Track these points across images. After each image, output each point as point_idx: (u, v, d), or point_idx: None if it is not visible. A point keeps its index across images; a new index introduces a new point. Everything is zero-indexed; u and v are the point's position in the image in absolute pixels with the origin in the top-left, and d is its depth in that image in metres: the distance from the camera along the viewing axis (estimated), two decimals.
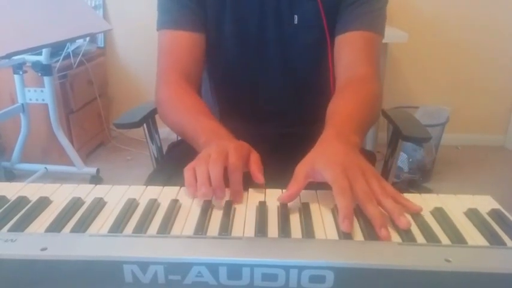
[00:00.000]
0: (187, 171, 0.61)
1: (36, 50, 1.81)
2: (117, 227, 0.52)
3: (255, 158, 0.65)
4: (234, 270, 0.43)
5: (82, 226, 0.52)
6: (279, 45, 0.90)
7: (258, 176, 0.62)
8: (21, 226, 0.53)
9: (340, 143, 0.64)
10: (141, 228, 0.52)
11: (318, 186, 0.62)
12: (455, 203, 0.59)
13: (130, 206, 0.57)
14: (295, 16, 0.87)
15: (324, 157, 0.60)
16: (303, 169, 0.60)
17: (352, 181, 0.55)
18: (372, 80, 0.84)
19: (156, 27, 0.90)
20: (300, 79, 0.94)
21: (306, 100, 0.97)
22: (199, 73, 0.91)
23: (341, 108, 0.76)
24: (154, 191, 0.61)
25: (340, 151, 0.61)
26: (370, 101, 0.80)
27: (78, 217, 0.54)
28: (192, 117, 0.78)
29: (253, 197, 0.60)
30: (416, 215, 0.55)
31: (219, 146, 0.63)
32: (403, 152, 2.18)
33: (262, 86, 0.95)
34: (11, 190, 0.62)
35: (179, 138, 1.08)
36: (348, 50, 0.86)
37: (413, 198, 0.59)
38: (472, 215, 0.56)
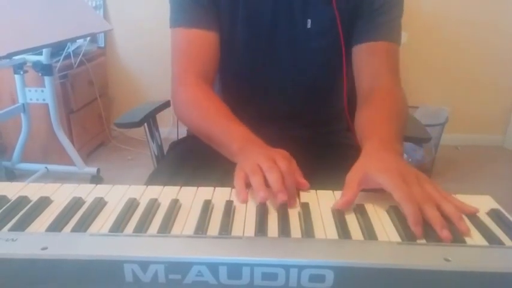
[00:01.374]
0: (237, 180, 0.61)
1: (36, 50, 1.81)
2: (118, 226, 0.52)
3: (295, 165, 0.65)
4: (234, 270, 0.43)
5: (83, 226, 0.52)
6: (291, 49, 0.90)
7: (303, 181, 0.62)
8: (22, 226, 0.53)
9: (386, 152, 0.65)
10: (142, 227, 0.52)
11: (317, 186, 0.63)
12: None
13: (131, 205, 0.57)
14: (309, 20, 0.87)
15: (376, 164, 0.61)
16: (355, 176, 0.60)
17: (408, 184, 0.56)
18: (396, 89, 0.85)
19: (170, 25, 0.89)
20: (310, 83, 0.94)
21: (316, 104, 0.98)
22: (214, 72, 0.90)
23: (376, 119, 0.77)
24: (155, 191, 0.61)
25: (390, 158, 0.62)
26: (401, 110, 0.81)
27: (78, 217, 0.54)
28: (219, 122, 0.77)
29: (254, 197, 0.60)
30: None
31: (265, 155, 0.63)
32: None
33: (272, 89, 0.95)
34: (11, 190, 0.62)
35: (180, 137, 1.08)
36: (369, 60, 0.87)
37: None
38: (472, 214, 0.56)
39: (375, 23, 0.86)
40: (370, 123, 0.77)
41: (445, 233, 0.50)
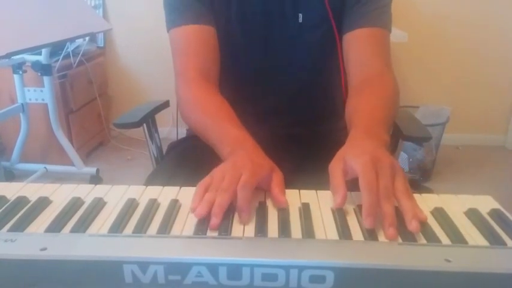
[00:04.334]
0: (199, 186, 0.58)
1: (35, 50, 1.81)
2: (117, 227, 0.52)
3: (278, 179, 0.61)
4: (234, 270, 0.43)
5: (82, 226, 0.52)
6: (284, 44, 0.90)
7: (281, 199, 0.58)
8: (20, 226, 0.52)
9: (369, 140, 0.64)
10: (141, 228, 0.52)
11: (318, 186, 0.62)
12: (456, 203, 0.59)
13: (130, 206, 0.57)
14: (300, 15, 0.87)
15: (354, 150, 0.60)
16: (337, 166, 0.59)
17: (379, 174, 0.55)
18: (387, 75, 0.84)
19: (166, 28, 0.89)
20: (305, 78, 0.94)
21: (310, 100, 0.97)
22: (217, 68, 0.89)
23: (364, 107, 0.76)
24: (154, 191, 0.61)
25: (370, 146, 0.61)
26: (390, 97, 0.80)
27: (77, 217, 0.54)
28: (216, 124, 0.76)
29: (254, 197, 0.60)
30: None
31: (235, 168, 0.59)
32: (403, 151, 2.18)
33: (267, 85, 0.95)
34: (10, 190, 0.61)
35: (179, 138, 1.08)
36: (358, 47, 0.86)
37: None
38: (472, 215, 0.56)
39: (361, 11, 0.86)
40: (356, 112, 0.76)
41: (390, 231, 0.50)
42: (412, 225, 0.51)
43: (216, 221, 0.52)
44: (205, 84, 0.84)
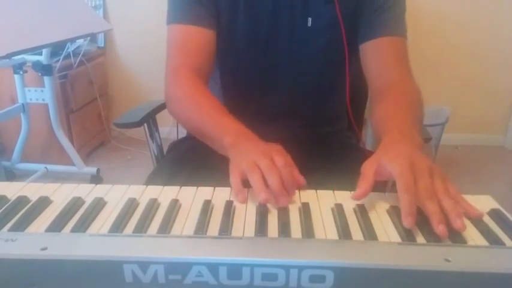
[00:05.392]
0: (233, 178, 0.60)
1: (36, 50, 1.81)
2: (117, 226, 0.52)
3: (290, 160, 0.65)
4: (234, 270, 0.43)
5: (82, 226, 0.52)
6: (291, 47, 0.90)
7: (299, 178, 0.62)
8: (21, 226, 0.53)
9: (405, 143, 0.64)
10: (141, 227, 0.52)
11: (319, 186, 0.62)
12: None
13: (131, 205, 0.57)
14: (309, 19, 0.87)
15: (390, 153, 0.61)
16: (370, 167, 0.59)
17: (417, 176, 0.55)
18: (410, 82, 0.85)
19: (167, 21, 0.89)
20: (310, 81, 0.95)
21: (316, 102, 0.98)
22: (209, 70, 0.89)
23: (392, 112, 0.76)
24: (155, 191, 0.61)
25: (407, 149, 0.61)
26: (415, 100, 0.81)
27: (78, 217, 0.54)
28: (212, 116, 0.77)
29: (253, 197, 0.60)
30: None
31: (261, 152, 0.62)
32: None
33: (271, 87, 0.95)
34: (11, 190, 0.62)
35: (179, 137, 1.08)
36: (379, 56, 0.87)
37: None
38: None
39: (379, 20, 0.86)
40: (386, 117, 0.76)
41: (440, 228, 0.49)
42: (457, 224, 0.51)
43: (286, 200, 0.57)
44: (197, 81, 0.84)
